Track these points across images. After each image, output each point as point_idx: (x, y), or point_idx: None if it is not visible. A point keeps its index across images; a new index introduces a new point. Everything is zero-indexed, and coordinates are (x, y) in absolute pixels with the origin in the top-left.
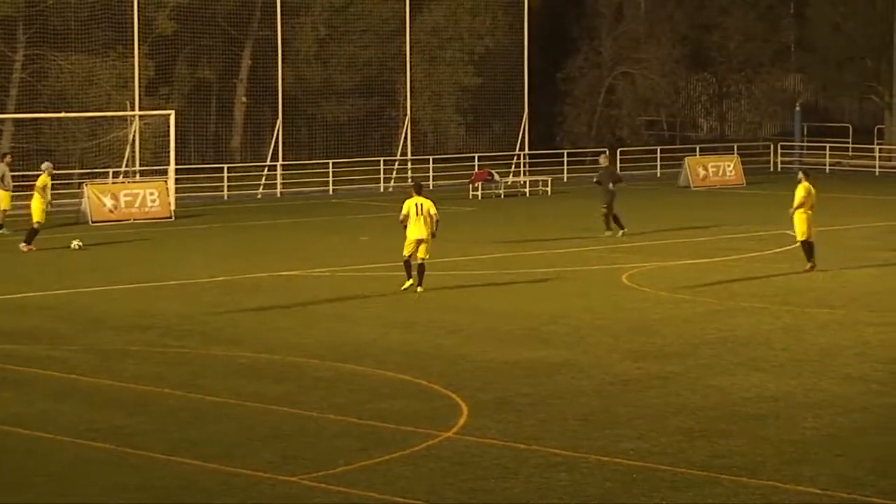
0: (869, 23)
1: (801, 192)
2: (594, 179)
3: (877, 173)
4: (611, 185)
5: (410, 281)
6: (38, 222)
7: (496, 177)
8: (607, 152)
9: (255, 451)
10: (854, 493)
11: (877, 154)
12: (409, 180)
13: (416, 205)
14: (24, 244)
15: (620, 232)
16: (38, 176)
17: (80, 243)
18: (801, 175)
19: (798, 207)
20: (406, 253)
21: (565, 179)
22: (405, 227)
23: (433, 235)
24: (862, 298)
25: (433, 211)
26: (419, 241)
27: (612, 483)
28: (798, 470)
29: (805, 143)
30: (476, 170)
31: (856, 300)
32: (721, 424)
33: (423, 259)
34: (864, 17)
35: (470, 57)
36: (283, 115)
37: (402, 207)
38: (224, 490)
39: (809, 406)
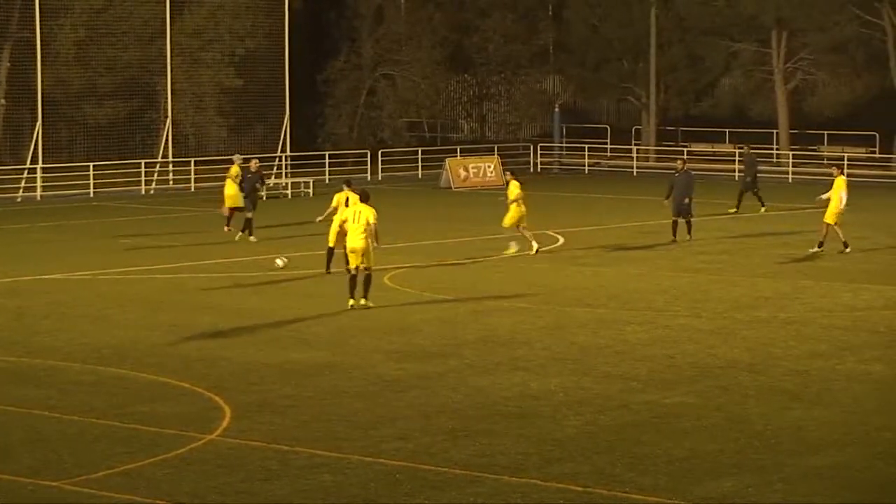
0: (625, 25)
1: (514, 189)
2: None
3: (634, 173)
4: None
5: (352, 301)
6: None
7: None
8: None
9: (15, 455)
10: (614, 490)
11: (634, 154)
12: (171, 182)
13: (356, 212)
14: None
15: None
16: None
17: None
18: (508, 175)
19: (513, 202)
20: (350, 266)
21: (327, 181)
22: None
23: (376, 244)
24: (621, 297)
25: (372, 220)
26: (355, 251)
27: (376, 483)
28: (559, 468)
29: (564, 144)
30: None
31: (615, 299)
32: (483, 424)
33: (367, 269)
34: (621, 19)
35: (231, 59)
36: (42, 117)
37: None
38: None
39: (570, 404)
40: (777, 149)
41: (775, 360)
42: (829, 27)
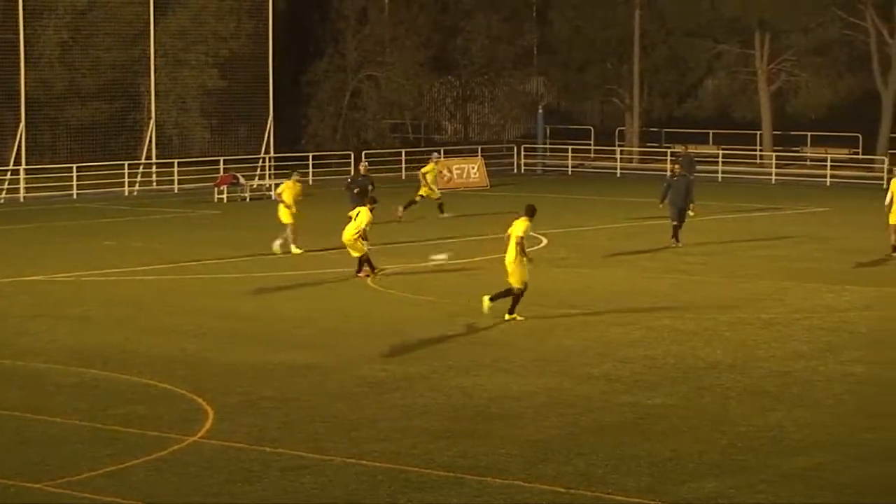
0: (608, 26)
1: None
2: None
3: (618, 174)
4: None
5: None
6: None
7: (241, 180)
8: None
9: None
10: (597, 491)
11: (618, 155)
12: (155, 184)
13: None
14: None
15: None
16: None
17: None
18: (295, 175)
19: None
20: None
21: (311, 182)
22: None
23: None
24: (605, 298)
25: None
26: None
27: (358, 485)
28: (542, 469)
29: (548, 146)
30: (221, 173)
31: (599, 300)
32: (466, 425)
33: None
34: (604, 20)
35: (215, 60)
36: (25, 118)
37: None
38: None
39: (553, 406)
40: (760, 150)
41: (757, 361)
42: (813, 29)
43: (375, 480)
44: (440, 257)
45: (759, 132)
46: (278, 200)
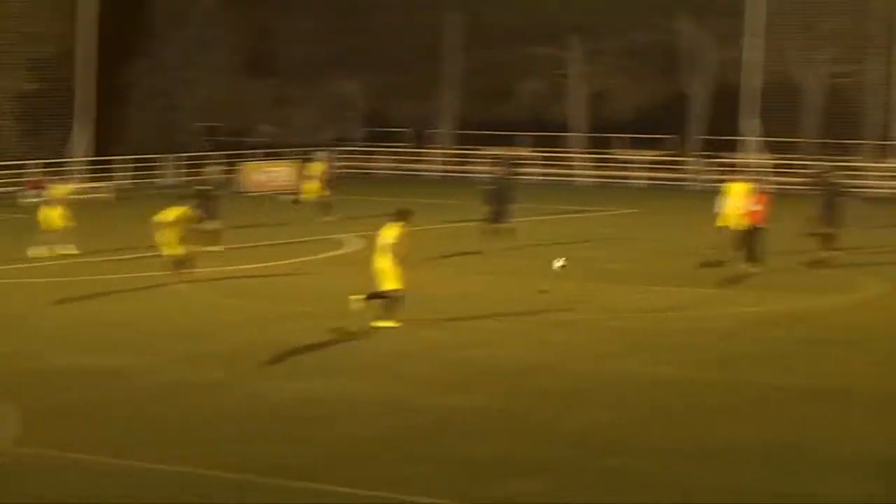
0: (426, 29)
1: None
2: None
3: (434, 177)
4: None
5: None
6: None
7: (49, 184)
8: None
9: None
10: (400, 492)
11: (434, 158)
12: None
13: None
14: None
15: None
16: None
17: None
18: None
19: None
20: None
21: (127, 185)
22: None
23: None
24: (415, 301)
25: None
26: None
27: (161, 489)
28: (344, 472)
29: (366, 148)
30: (32, 177)
31: (415, 303)
32: (268, 428)
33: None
34: (423, 23)
35: (26, 62)
36: None
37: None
38: None
39: (359, 408)
40: (575, 152)
41: (568, 362)
42: (627, 32)
43: (178, 485)
44: (559, 264)
45: (573, 134)
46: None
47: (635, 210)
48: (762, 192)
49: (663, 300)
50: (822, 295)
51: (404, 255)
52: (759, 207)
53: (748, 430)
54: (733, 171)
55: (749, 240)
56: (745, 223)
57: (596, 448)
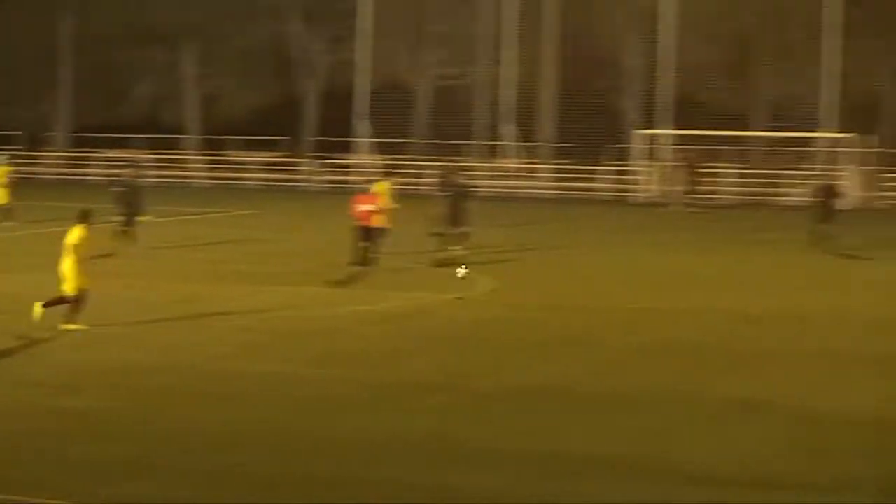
0: (39, 31)
1: None
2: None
3: (48, 179)
4: None
5: None
6: None
7: None
8: None
9: None
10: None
11: (49, 161)
12: None
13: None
14: None
15: None
16: None
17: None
18: None
19: None
20: None
21: None
22: None
23: None
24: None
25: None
26: None
27: None
28: None
29: None
30: None
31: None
32: None
33: None
34: (32, 26)
35: None
36: None
37: None
38: None
39: None
40: (190, 154)
41: (185, 362)
42: (239, 35)
43: None
44: (462, 271)
45: (187, 136)
46: None
47: (254, 211)
48: (378, 194)
49: (280, 300)
50: (438, 293)
51: (87, 257)
52: (375, 208)
53: (375, 423)
54: (347, 173)
55: (369, 239)
56: (368, 222)
57: (209, 444)
